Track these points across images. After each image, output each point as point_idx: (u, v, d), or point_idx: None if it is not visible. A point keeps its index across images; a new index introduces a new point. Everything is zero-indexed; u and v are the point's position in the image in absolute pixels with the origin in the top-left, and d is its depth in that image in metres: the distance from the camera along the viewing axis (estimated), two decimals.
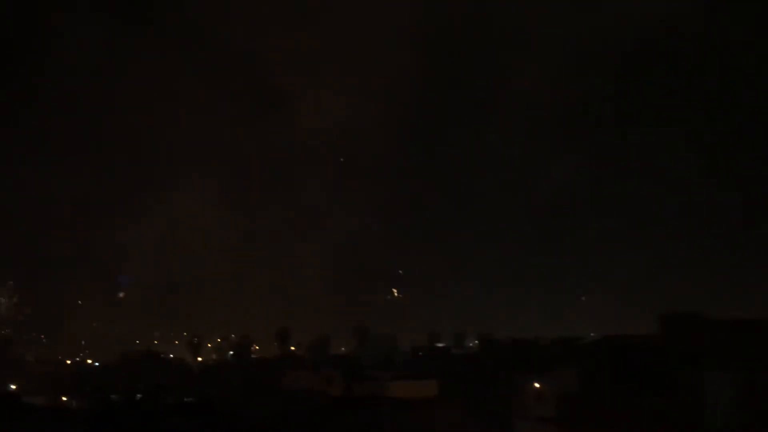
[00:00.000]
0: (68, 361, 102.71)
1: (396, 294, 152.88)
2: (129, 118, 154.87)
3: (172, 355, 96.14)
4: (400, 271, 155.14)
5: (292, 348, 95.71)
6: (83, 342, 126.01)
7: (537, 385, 40.91)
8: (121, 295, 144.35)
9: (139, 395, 49.77)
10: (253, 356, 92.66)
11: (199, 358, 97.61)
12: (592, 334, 72.94)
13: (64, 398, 63.40)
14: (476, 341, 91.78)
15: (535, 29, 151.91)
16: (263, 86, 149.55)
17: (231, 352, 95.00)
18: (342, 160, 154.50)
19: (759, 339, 35.88)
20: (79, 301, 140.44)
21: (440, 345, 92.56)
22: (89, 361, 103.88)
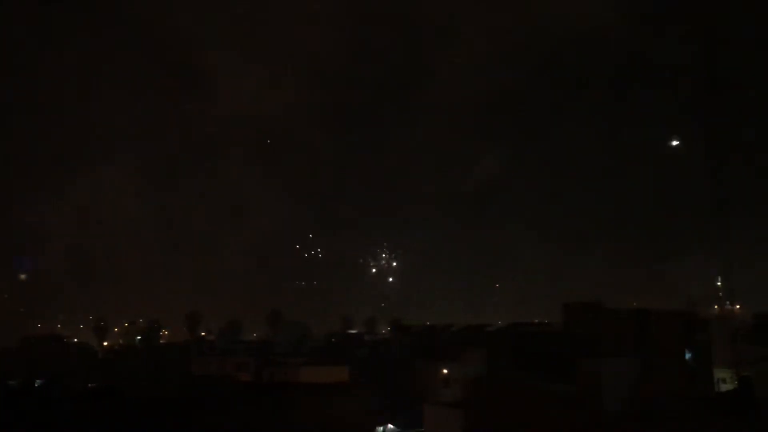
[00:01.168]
0: None
1: (312, 281, 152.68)
2: (38, 99, 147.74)
3: (76, 340, 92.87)
4: (319, 254, 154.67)
5: (203, 333, 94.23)
6: None
7: (445, 370, 41.93)
8: (23, 277, 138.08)
9: (39, 381, 47.83)
10: (162, 341, 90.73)
11: (105, 343, 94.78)
12: (499, 322, 75.16)
13: None
14: (388, 328, 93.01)
15: (458, 24, 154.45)
16: (183, 68, 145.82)
17: (139, 337, 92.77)
18: (269, 141, 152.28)
19: (652, 327, 38.15)
20: None
21: (353, 331, 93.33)
22: None
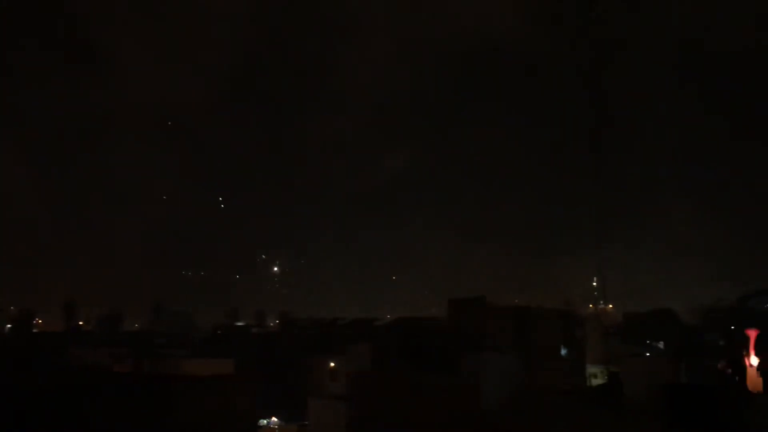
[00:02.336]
0: None
1: (199, 272, 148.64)
2: None
3: None
4: (208, 245, 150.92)
5: (80, 323, 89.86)
6: None
7: (332, 363, 41.91)
8: None
9: None
10: (34, 330, 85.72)
11: None
12: (388, 316, 75.94)
13: None
14: (277, 321, 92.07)
15: (364, 21, 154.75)
16: (79, 51, 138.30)
17: (9, 326, 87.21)
18: (169, 123, 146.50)
19: (531, 323, 39.74)
20: None
21: (240, 324, 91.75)
22: None
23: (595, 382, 43.00)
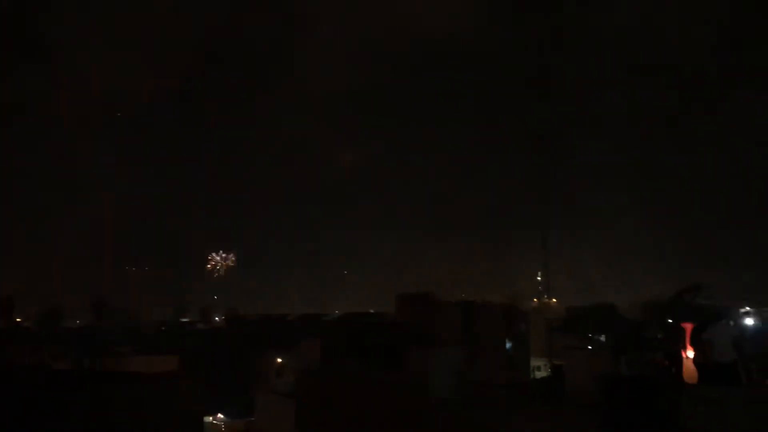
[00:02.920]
0: None
1: (143, 267, 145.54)
2: None
3: None
4: (154, 240, 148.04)
5: (18, 320, 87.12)
6: None
7: (279, 359, 41.76)
8: None
9: None
10: None
11: None
12: (336, 312, 75.98)
13: None
14: (223, 317, 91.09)
15: (325, 15, 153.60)
16: (21, 38, 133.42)
17: None
18: (119, 114, 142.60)
19: (477, 318, 40.31)
20: None
21: (186, 320, 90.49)
22: None
23: (539, 374, 43.86)
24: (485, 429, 24.00)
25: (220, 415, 47.17)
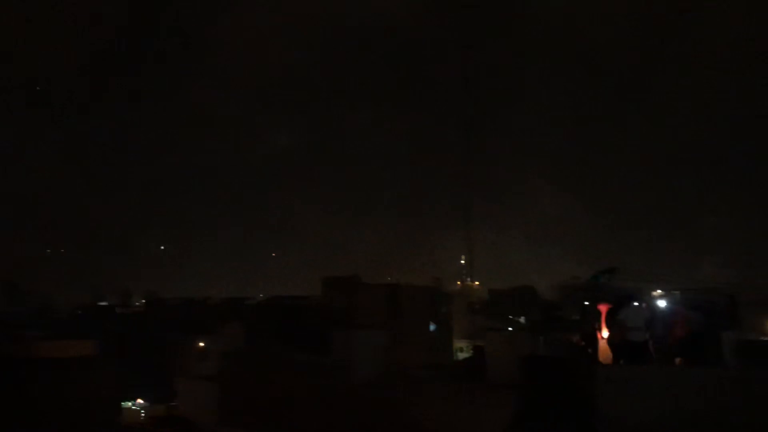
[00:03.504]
0: None
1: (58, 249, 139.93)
2: None
3: None
4: (70, 221, 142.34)
5: None
6: None
7: (201, 343, 41.05)
8: None
9: None
10: None
11: None
12: (261, 295, 75.12)
13: None
14: (143, 300, 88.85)
15: None
16: None
17: None
18: (38, 89, 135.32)
19: (402, 300, 40.75)
20: None
21: (104, 304, 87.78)
22: None
23: (461, 356, 44.70)
24: (408, 410, 24.34)
25: (139, 401, 46.06)
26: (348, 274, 45.11)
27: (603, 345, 23.11)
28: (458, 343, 48.31)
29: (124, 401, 40.68)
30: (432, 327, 45.98)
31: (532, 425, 18.26)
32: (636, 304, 22.97)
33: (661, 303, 24.47)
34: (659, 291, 26.90)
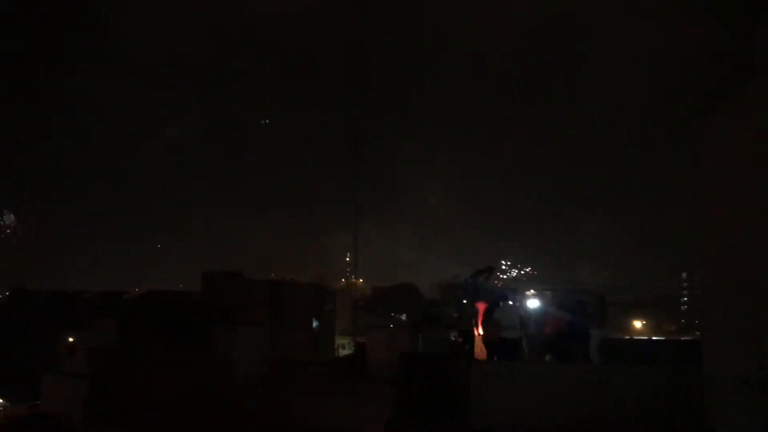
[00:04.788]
0: None
1: None
2: None
3: None
4: None
5: None
6: None
7: (71, 339, 39.10)
8: None
9: None
10: None
11: None
12: (137, 289, 72.62)
13: None
14: (7, 293, 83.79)
15: None
16: None
17: None
18: None
19: (285, 297, 40.51)
20: None
21: None
22: None
23: (343, 352, 45.07)
24: (289, 407, 24.22)
25: (0, 400, 43.38)
26: (230, 269, 44.33)
27: (479, 342, 23.90)
28: (341, 340, 48.66)
29: None
30: (315, 324, 46.02)
31: (411, 418, 18.66)
32: (510, 303, 23.89)
33: (534, 302, 25.60)
34: (532, 291, 28.12)
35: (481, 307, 24.18)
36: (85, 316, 44.91)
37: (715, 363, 14.22)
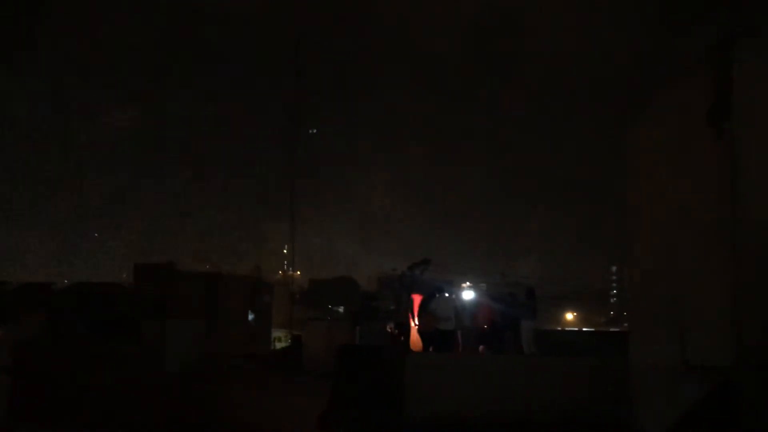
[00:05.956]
0: None
1: None
2: None
3: None
4: None
5: None
6: None
7: None
8: None
9: None
10: None
11: None
12: (65, 281, 70.40)
13: None
14: None
15: None
16: None
17: None
18: None
19: (221, 289, 39.94)
20: None
21: None
22: None
23: (279, 345, 44.71)
24: (222, 400, 23.95)
25: None
26: (162, 261, 43.40)
27: (414, 334, 24.11)
28: (277, 333, 48.25)
29: None
30: (251, 317, 45.50)
31: (346, 411, 18.69)
32: (446, 295, 24.19)
33: (469, 294, 25.98)
34: (467, 283, 28.55)
35: (417, 298, 24.41)
36: (10, 308, 43.22)
37: (640, 353, 14.76)
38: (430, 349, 23.08)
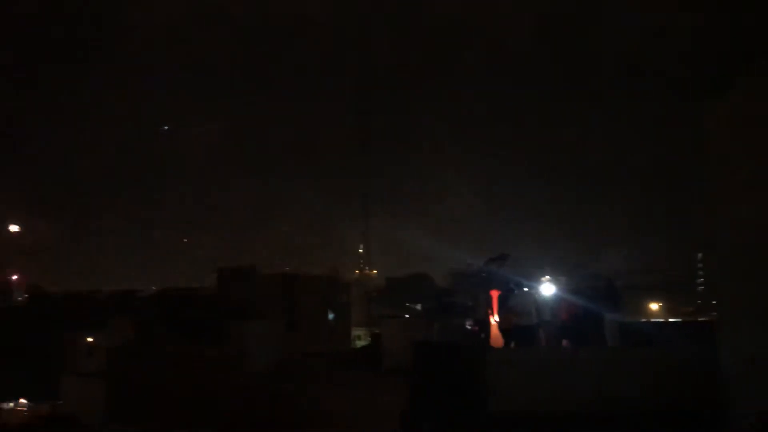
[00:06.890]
0: None
1: None
2: None
3: None
4: None
5: None
6: None
7: (89, 339, 39.45)
8: None
9: None
10: None
11: None
12: (153, 288, 72.93)
13: None
14: (25, 294, 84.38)
15: None
16: None
17: None
18: None
19: (299, 290, 40.63)
20: None
21: None
22: None
23: (359, 343, 45.10)
24: (304, 400, 24.28)
25: (22, 400, 43.85)
26: (243, 265, 44.45)
27: (494, 330, 23.81)
28: (356, 331, 48.67)
29: (3, 402, 38.64)
30: (330, 316, 46.07)
31: (428, 408, 18.65)
32: (525, 290, 23.77)
33: (548, 289, 25.46)
34: (547, 277, 27.97)
35: (494, 294, 24.06)
36: (101, 316, 45.24)
37: (730, 345, 14.12)
38: (512, 345, 22.74)
